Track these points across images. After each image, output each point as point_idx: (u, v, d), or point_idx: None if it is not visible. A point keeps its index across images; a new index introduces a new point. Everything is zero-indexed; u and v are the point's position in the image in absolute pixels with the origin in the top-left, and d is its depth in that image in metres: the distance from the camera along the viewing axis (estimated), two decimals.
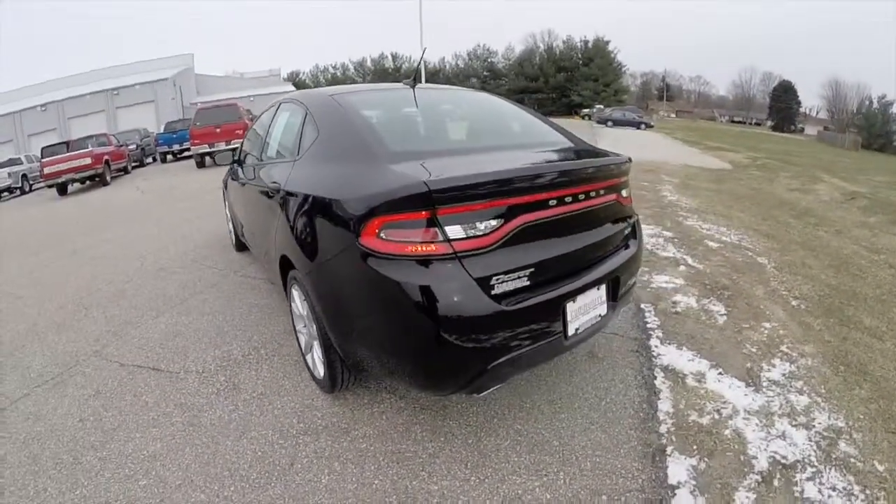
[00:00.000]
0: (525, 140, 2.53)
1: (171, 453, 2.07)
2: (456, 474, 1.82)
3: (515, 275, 1.64)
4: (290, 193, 2.25)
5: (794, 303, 3.44)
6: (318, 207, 1.95)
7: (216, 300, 3.73)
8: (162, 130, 19.03)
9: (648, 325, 3.00)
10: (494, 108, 2.92)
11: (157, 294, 4.02)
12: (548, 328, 1.74)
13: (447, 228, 1.53)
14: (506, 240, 1.63)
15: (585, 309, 1.89)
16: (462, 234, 1.55)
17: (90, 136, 15.08)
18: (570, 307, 1.81)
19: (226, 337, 3.10)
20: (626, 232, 2.26)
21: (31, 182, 16.76)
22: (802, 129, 52.66)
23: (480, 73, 61.72)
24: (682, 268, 4.02)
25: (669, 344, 2.77)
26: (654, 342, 2.79)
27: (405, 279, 1.52)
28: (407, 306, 1.53)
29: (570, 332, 1.82)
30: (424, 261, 1.53)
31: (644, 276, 3.75)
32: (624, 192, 2.23)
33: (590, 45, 57.81)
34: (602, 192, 2.00)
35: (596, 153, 2.30)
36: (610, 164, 2.11)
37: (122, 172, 15.34)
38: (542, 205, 1.73)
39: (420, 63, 2.65)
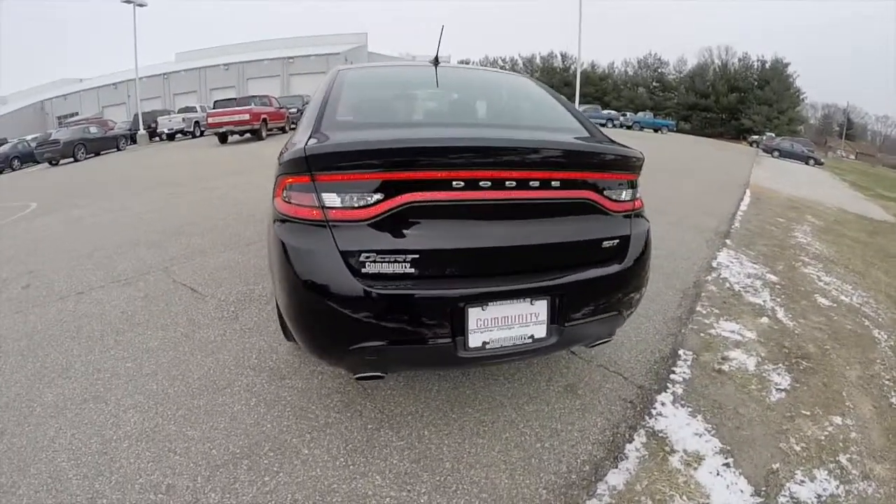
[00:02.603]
0: (521, 122, 2.28)
1: (160, 352, 2.53)
2: (331, 449, 1.83)
3: (392, 258, 1.51)
4: None
5: (894, 400, 2.57)
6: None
7: None
8: None
9: (672, 377, 2.44)
10: (513, 90, 2.67)
11: (235, 234, 4.72)
12: (431, 329, 1.54)
13: (323, 195, 1.51)
14: (385, 217, 1.50)
15: (505, 322, 1.61)
16: (338, 203, 1.51)
17: (254, 96, 17.54)
18: (476, 314, 1.56)
19: (259, 278, 3.54)
20: (609, 244, 1.79)
21: (202, 129, 20.21)
22: None
23: (650, 83, 57.55)
24: (763, 320, 3.27)
25: (683, 406, 2.21)
26: (663, 398, 2.26)
27: (287, 240, 1.57)
28: (286, 267, 1.56)
29: (474, 343, 1.58)
30: (302, 224, 1.55)
31: (707, 319, 3.18)
32: (615, 194, 1.79)
33: (767, 65, 50.53)
34: (556, 183, 1.64)
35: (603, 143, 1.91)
36: (578, 151, 1.72)
37: (280, 131, 17.64)
38: (442, 185, 1.51)
39: (440, 41, 2.44)
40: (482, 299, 1.57)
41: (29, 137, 21.79)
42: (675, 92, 54.79)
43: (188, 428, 1.91)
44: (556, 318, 1.67)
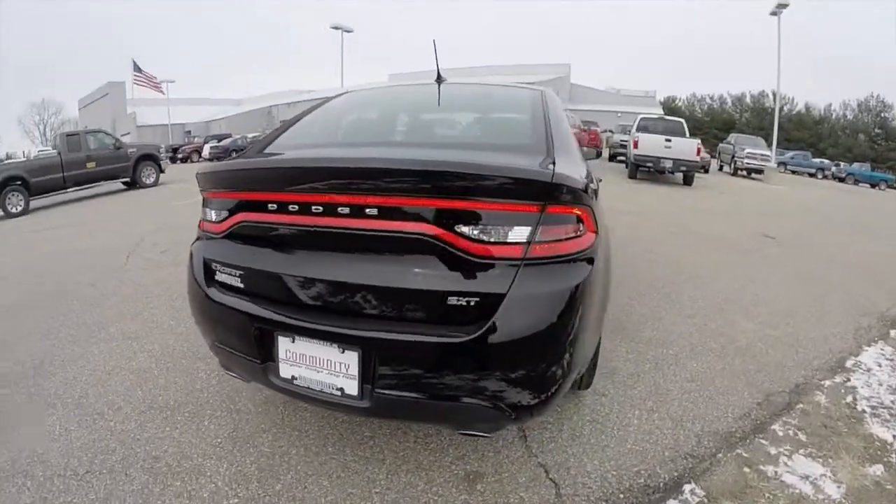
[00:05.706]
0: (465, 141, 2.17)
1: None
2: (220, 429, 2.09)
3: (228, 270, 1.69)
4: None
5: None
6: None
7: None
8: None
9: None
10: (497, 107, 2.51)
11: None
12: (244, 345, 1.64)
13: (206, 210, 1.82)
14: (230, 233, 1.70)
15: (313, 363, 1.50)
16: (212, 218, 1.78)
17: None
18: (285, 344, 1.53)
19: None
20: (458, 302, 1.35)
21: None
22: None
23: (871, 130, 47.81)
24: (874, 469, 1.92)
25: None
26: None
27: (191, 248, 1.90)
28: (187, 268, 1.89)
29: (284, 373, 1.56)
30: (199, 237, 1.90)
31: (776, 447, 2.01)
32: (485, 232, 1.35)
33: None
34: (372, 211, 1.39)
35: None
36: (399, 170, 1.41)
37: None
38: (261, 206, 1.59)
39: (436, 59, 2.41)
40: (291, 330, 1.50)
41: (250, 136, 27.76)
42: None
43: (162, 377, 2.57)
44: (368, 377, 1.43)
